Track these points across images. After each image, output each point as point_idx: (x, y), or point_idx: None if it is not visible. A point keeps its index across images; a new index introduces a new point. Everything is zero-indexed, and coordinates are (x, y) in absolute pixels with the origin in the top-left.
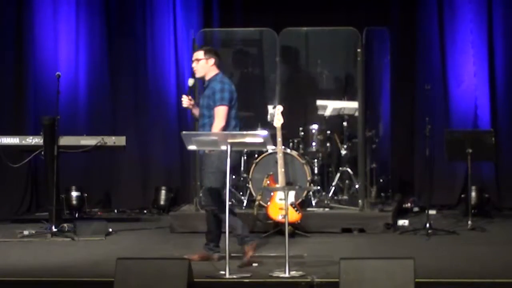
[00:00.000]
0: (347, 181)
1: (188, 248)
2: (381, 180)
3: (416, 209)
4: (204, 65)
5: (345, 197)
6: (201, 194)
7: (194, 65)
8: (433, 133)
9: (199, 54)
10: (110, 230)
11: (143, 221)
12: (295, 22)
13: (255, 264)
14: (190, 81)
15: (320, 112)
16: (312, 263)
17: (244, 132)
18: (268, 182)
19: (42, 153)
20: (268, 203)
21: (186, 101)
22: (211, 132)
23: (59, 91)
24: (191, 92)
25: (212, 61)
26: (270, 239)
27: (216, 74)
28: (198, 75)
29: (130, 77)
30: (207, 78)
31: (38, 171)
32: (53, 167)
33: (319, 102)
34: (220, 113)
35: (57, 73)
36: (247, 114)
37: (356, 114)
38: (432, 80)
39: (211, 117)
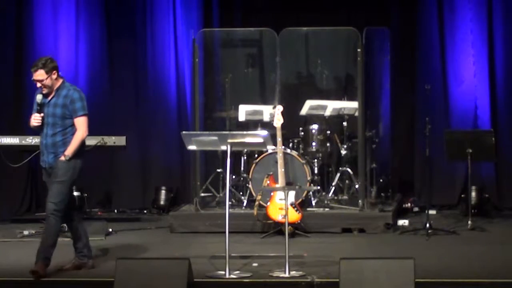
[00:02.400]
0: (347, 181)
1: (188, 248)
2: (381, 180)
3: (416, 209)
4: (49, 82)
5: (345, 197)
6: (53, 205)
7: (39, 85)
8: (433, 133)
9: (40, 75)
10: (110, 230)
11: (143, 221)
12: (295, 22)
13: (255, 264)
14: (39, 97)
15: (319, 112)
16: (312, 263)
17: (244, 132)
18: (268, 182)
19: None
20: (268, 203)
21: (39, 119)
22: (210, 132)
23: None
24: (41, 109)
25: (55, 74)
26: (270, 239)
27: (63, 82)
28: (47, 91)
29: (130, 77)
30: (54, 89)
31: (38, 171)
32: None
33: (312, 102)
34: (84, 122)
35: None
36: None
37: (356, 114)
38: (432, 80)
39: (66, 127)
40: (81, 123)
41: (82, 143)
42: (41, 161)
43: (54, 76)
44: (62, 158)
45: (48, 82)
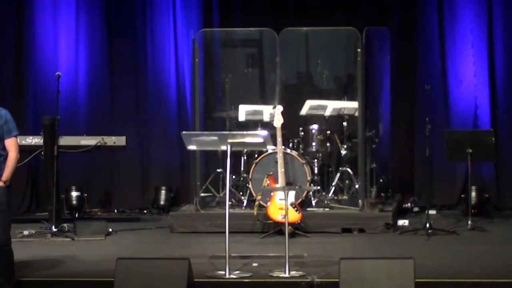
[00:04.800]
0: (347, 181)
1: (188, 248)
2: (381, 180)
3: (416, 209)
4: None
5: (345, 197)
6: (4, 239)
7: None
8: (433, 133)
9: None
10: (110, 230)
11: (143, 221)
12: (295, 22)
13: (255, 264)
14: None
15: (319, 112)
16: (312, 263)
17: (244, 132)
18: (268, 182)
19: (42, 153)
20: (268, 203)
21: None
22: (210, 132)
23: (59, 91)
24: None
25: None
26: (270, 239)
27: None
28: None
29: (130, 77)
30: None
31: (38, 171)
32: (53, 167)
33: (312, 102)
34: (16, 143)
35: (57, 73)
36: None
37: (356, 114)
38: (432, 80)
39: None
40: (14, 144)
41: None
42: None
43: None
44: (1, 184)
45: None
